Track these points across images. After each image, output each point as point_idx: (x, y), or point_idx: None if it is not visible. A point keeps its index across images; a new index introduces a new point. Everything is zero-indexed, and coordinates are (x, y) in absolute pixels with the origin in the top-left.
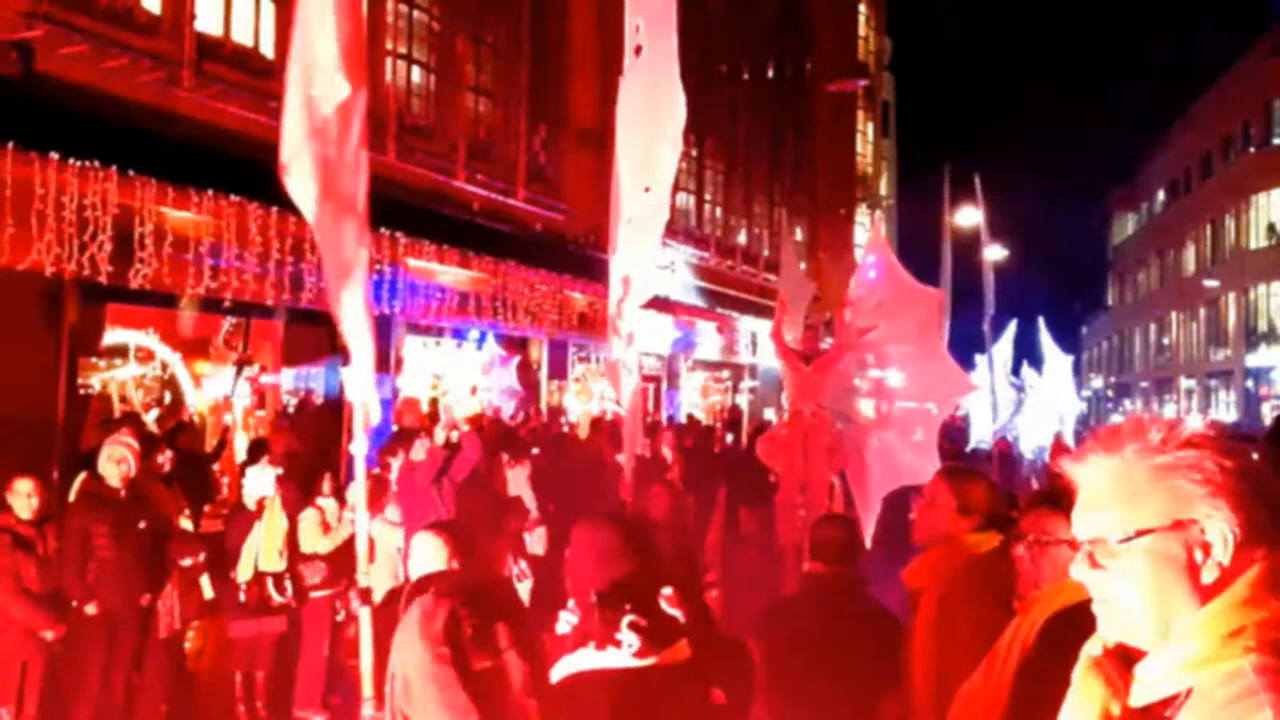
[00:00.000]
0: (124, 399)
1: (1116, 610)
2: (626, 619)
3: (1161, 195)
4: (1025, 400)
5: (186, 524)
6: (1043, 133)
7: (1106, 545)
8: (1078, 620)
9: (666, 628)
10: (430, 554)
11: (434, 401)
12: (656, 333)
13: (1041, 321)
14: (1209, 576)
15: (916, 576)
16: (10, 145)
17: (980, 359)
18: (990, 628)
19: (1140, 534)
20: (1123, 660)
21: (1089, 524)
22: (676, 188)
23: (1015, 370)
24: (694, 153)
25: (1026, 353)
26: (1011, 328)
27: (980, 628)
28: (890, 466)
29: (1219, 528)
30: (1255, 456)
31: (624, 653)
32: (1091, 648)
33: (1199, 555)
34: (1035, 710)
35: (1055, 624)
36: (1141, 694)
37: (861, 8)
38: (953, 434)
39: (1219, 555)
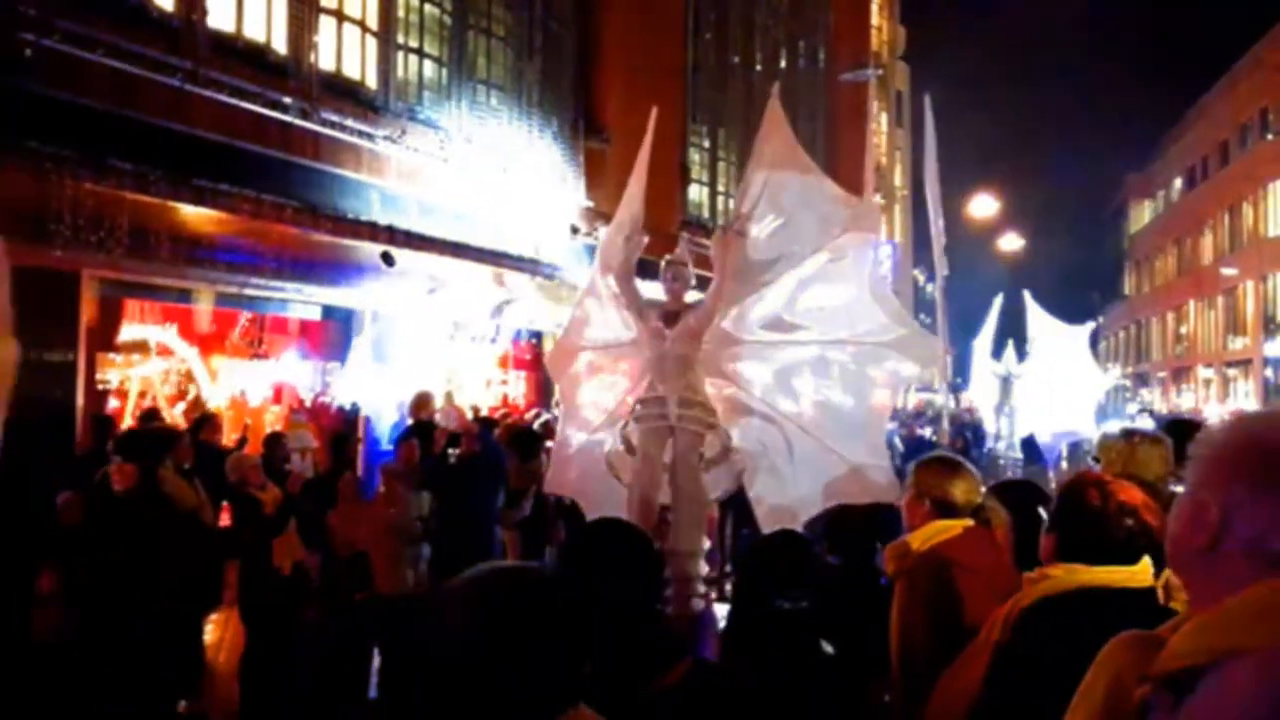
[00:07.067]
0: (144, 394)
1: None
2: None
3: (1179, 183)
4: (1012, 388)
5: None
6: (1058, 121)
7: None
8: (1053, 610)
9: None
10: None
11: (449, 396)
12: None
13: (1028, 295)
14: (1201, 542)
15: (887, 564)
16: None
17: (978, 344)
18: (943, 613)
19: (1183, 492)
20: (1154, 644)
21: None
22: (688, 180)
23: (996, 353)
24: (706, 144)
25: (1017, 335)
26: (997, 303)
27: (933, 615)
28: (820, 476)
29: (1213, 508)
30: None
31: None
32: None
33: (1203, 527)
34: (1004, 694)
35: (1030, 613)
36: (1166, 662)
37: None
38: (959, 428)
39: (1211, 531)
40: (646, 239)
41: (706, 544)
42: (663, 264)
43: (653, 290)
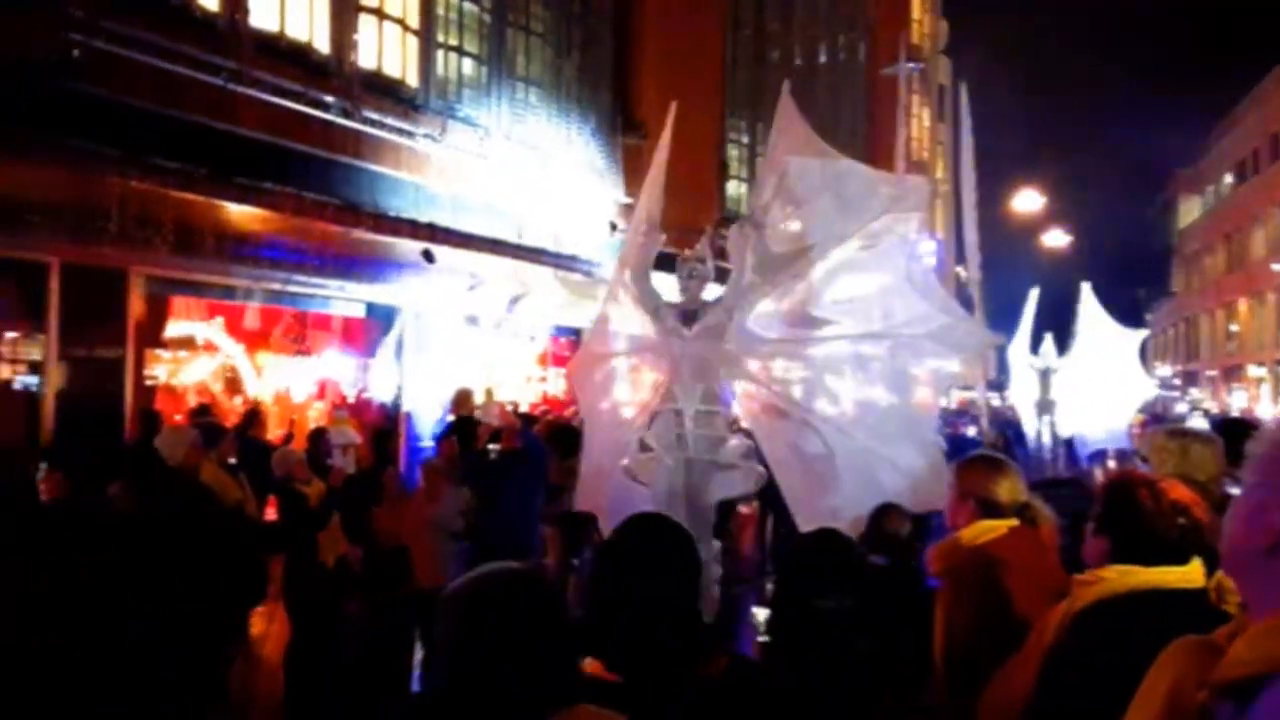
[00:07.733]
0: (201, 390)
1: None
2: None
3: (1229, 178)
4: (1051, 383)
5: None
6: (1104, 115)
7: None
8: (1108, 613)
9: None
10: None
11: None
12: None
13: (1087, 288)
14: (1261, 544)
15: (933, 563)
16: (77, 143)
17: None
18: (990, 613)
19: (1241, 493)
20: (1214, 649)
21: None
22: (726, 176)
23: (1034, 348)
24: (745, 140)
25: (1058, 328)
26: (1033, 298)
27: (979, 614)
28: (868, 480)
29: (1274, 510)
30: None
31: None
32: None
33: (1263, 529)
34: (1058, 698)
35: (1085, 616)
36: (1227, 669)
37: None
38: (1000, 426)
39: (1273, 533)
40: (664, 236)
41: (717, 545)
42: (678, 261)
43: (673, 288)
